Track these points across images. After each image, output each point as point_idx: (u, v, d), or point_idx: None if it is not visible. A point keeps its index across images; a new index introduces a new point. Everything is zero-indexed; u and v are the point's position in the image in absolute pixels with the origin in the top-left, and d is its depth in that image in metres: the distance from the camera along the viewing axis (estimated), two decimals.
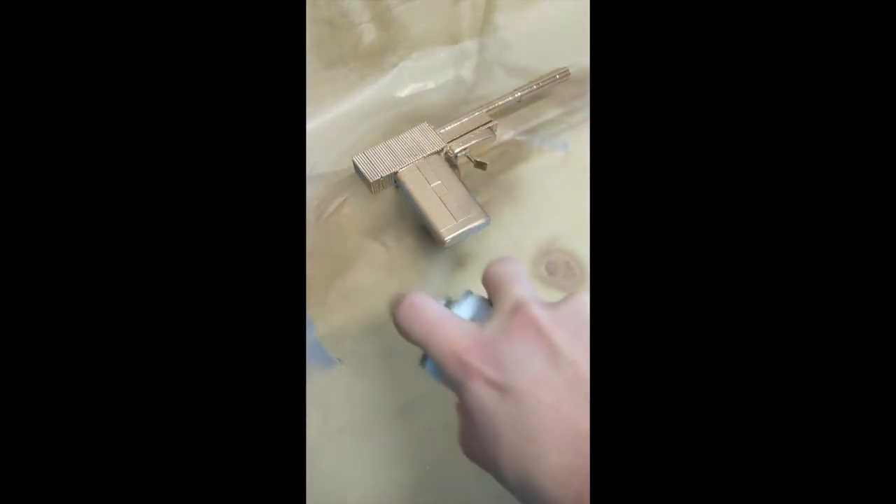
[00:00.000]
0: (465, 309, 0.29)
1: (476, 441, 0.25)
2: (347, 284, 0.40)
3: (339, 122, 0.47)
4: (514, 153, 0.46)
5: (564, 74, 0.47)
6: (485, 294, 0.29)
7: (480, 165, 0.44)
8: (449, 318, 0.27)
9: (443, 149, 0.43)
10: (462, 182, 0.41)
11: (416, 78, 0.49)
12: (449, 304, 0.29)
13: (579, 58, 0.48)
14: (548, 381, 0.23)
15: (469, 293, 0.29)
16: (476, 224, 0.39)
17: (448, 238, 0.38)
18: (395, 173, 0.41)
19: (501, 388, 0.23)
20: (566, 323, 0.25)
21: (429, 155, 0.42)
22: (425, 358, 0.28)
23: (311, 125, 0.46)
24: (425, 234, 0.41)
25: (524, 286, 0.27)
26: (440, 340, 0.26)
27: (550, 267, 0.41)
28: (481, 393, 0.24)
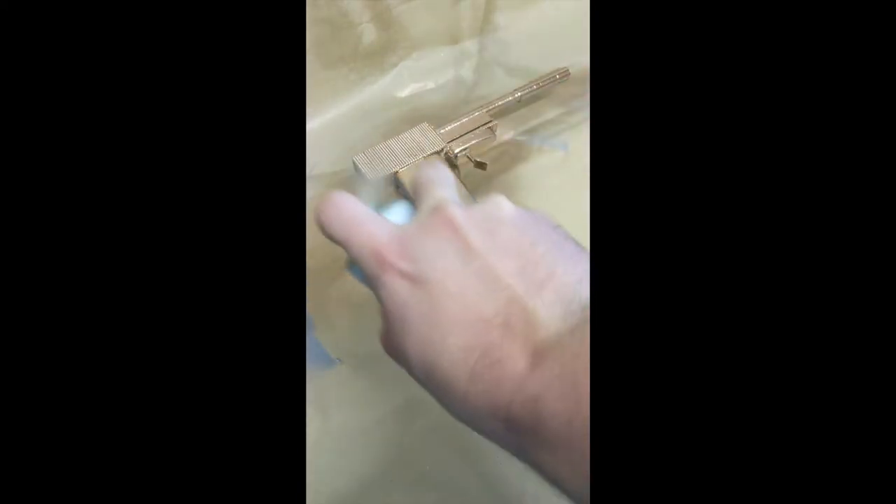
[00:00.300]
0: (394, 213, 0.29)
1: (390, 334, 0.25)
2: (347, 284, 0.40)
3: (339, 122, 0.47)
4: (514, 153, 0.46)
5: (564, 74, 0.47)
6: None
7: (480, 165, 0.44)
8: (371, 217, 0.27)
9: (443, 149, 0.43)
10: (462, 182, 0.41)
11: (416, 78, 0.49)
12: (379, 209, 0.29)
13: (579, 58, 0.48)
14: (457, 272, 0.23)
15: (400, 201, 0.30)
16: None
17: None
18: (395, 173, 0.41)
19: (413, 279, 0.24)
20: (480, 221, 0.25)
21: (429, 155, 0.42)
22: (351, 261, 0.28)
23: (311, 125, 0.46)
24: None
25: (446, 189, 0.27)
26: (360, 238, 0.26)
27: None
28: (394, 285, 0.24)
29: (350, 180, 0.43)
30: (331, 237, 0.27)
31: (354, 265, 0.27)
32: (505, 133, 0.47)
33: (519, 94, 0.46)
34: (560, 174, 0.45)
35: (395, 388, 0.37)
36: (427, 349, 0.23)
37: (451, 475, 0.34)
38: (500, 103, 0.45)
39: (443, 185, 0.28)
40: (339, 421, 0.36)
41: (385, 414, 0.36)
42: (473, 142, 0.44)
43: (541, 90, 0.47)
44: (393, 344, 0.25)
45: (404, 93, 0.49)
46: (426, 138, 0.43)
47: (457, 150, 0.43)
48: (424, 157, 0.42)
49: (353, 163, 0.42)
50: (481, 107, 0.45)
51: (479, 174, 0.44)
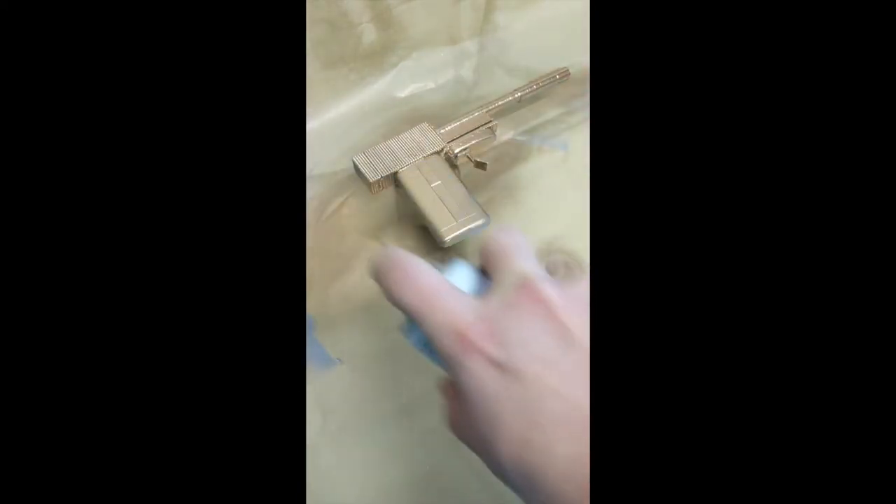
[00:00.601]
0: (460, 278, 0.27)
1: (470, 422, 0.23)
2: (347, 284, 0.40)
3: (339, 122, 0.47)
4: (514, 153, 0.46)
5: (564, 74, 0.47)
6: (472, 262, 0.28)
7: (480, 165, 0.44)
8: (448, 290, 0.24)
9: (443, 149, 0.43)
10: (462, 182, 0.41)
11: (416, 78, 0.49)
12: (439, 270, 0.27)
13: (579, 58, 0.48)
14: (556, 363, 0.21)
15: (458, 261, 0.28)
16: (476, 224, 0.39)
17: (448, 238, 0.38)
18: (395, 173, 0.41)
19: (505, 369, 0.22)
20: (577, 302, 0.23)
21: (429, 155, 0.42)
22: (409, 327, 0.26)
23: (311, 125, 0.46)
24: (425, 234, 0.41)
25: (530, 260, 0.25)
26: (438, 313, 0.24)
27: (550, 267, 0.41)
28: (481, 372, 0.22)
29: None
30: (400, 306, 0.25)
31: (413, 330, 0.26)
32: (505, 133, 0.47)
33: (519, 94, 0.46)
34: (560, 174, 0.45)
35: (395, 388, 0.37)
36: (528, 452, 0.21)
37: (451, 475, 0.34)
38: (500, 103, 0.45)
39: (524, 255, 0.25)
40: (339, 421, 0.36)
41: (385, 414, 0.36)
42: (473, 142, 0.44)
43: (541, 90, 0.47)
44: (473, 433, 0.23)
45: (404, 93, 0.49)
46: (426, 138, 0.43)
47: (457, 150, 0.43)
48: (424, 157, 0.42)
49: (353, 163, 0.42)
50: (481, 107, 0.45)
51: (479, 174, 0.44)
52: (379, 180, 0.41)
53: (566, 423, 0.21)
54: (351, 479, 0.34)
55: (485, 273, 0.27)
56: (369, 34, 0.46)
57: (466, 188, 0.40)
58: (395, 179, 0.42)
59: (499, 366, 0.22)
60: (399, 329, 0.27)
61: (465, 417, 0.23)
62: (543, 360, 0.22)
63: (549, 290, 0.23)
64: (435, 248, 0.41)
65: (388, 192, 0.43)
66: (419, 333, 0.25)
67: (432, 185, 0.40)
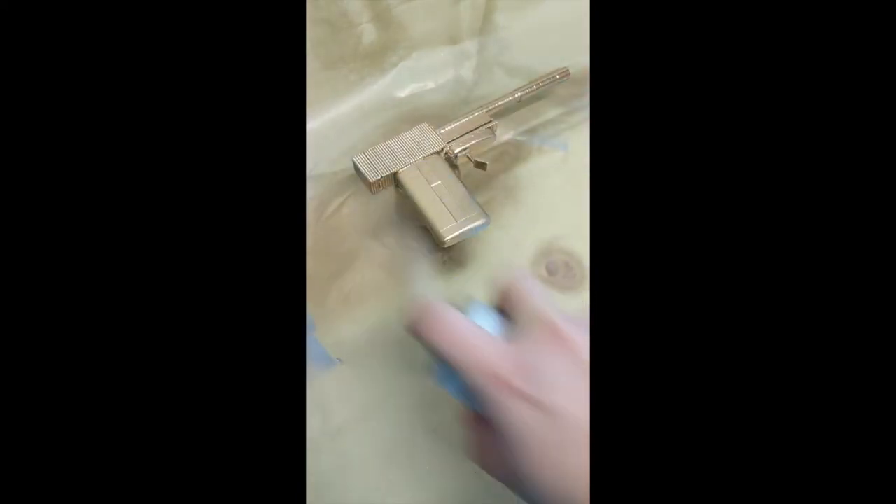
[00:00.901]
0: (482, 319, 0.29)
1: (506, 456, 0.25)
2: (347, 284, 0.40)
3: (339, 122, 0.47)
4: (514, 153, 0.46)
5: (564, 74, 0.47)
6: (481, 298, 0.30)
7: (480, 165, 0.44)
8: (477, 333, 0.27)
9: (443, 149, 0.43)
10: (462, 182, 0.41)
11: (416, 78, 0.49)
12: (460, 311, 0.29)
13: (579, 58, 0.48)
14: (578, 395, 0.24)
15: (476, 301, 0.29)
16: (476, 224, 0.39)
17: (448, 238, 0.38)
18: (395, 173, 0.41)
19: (537, 404, 0.24)
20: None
21: (429, 155, 0.42)
22: (442, 374, 0.28)
23: (311, 125, 0.46)
24: (425, 234, 0.41)
25: (545, 300, 0.28)
26: (474, 360, 0.26)
27: (550, 267, 0.41)
28: (519, 410, 0.24)
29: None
30: (433, 351, 0.27)
31: (450, 379, 0.27)
32: (505, 133, 0.47)
33: (519, 94, 0.46)
34: (560, 174, 0.45)
35: (395, 389, 0.37)
36: (562, 477, 0.23)
37: (451, 475, 0.34)
38: (500, 103, 0.45)
39: (542, 297, 0.28)
40: (339, 421, 0.36)
41: (385, 414, 0.36)
42: (473, 142, 0.44)
43: (541, 90, 0.47)
44: (507, 466, 0.25)
45: (404, 93, 0.49)
46: (426, 138, 0.43)
47: (457, 150, 0.43)
48: (424, 157, 0.42)
49: (354, 163, 0.42)
50: (481, 107, 0.45)
51: (479, 174, 0.44)
52: (379, 180, 0.41)
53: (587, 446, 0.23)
54: (351, 479, 0.34)
55: (500, 311, 0.29)
56: (369, 34, 0.46)
57: (466, 188, 0.40)
58: (395, 179, 0.42)
59: (531, 402, 0.24)
60: (430, 377, 0.29)
61: (498, 451, 0.25)
62: (569, 393, 0.24)
63: (570, 327, 0.25)
64: (435, 248, 0.41)
65: (388, 192, 0.43)
66: (456, 382, 0.27)
67: (432, 185, 0.40)
